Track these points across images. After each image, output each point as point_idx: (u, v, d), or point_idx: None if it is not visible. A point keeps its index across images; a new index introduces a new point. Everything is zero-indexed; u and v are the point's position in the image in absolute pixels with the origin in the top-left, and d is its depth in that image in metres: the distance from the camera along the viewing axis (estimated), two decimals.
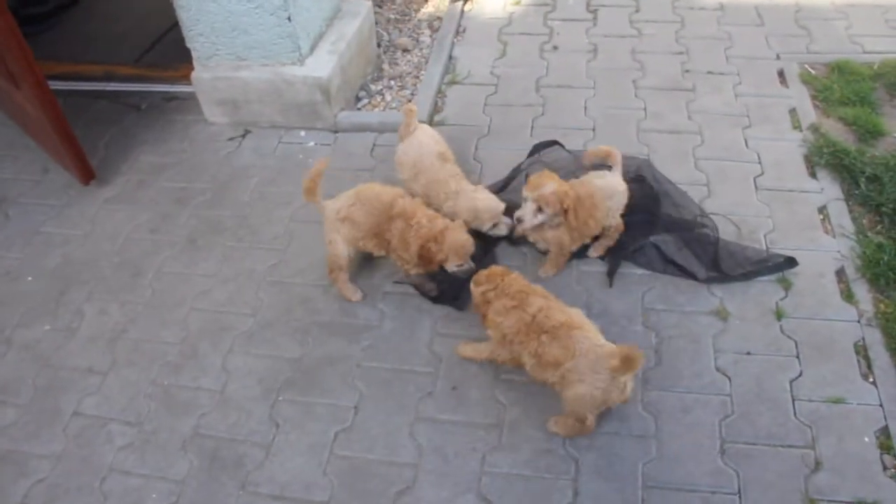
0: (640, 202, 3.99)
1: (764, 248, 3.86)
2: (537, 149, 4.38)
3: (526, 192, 3.53)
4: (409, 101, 5.03)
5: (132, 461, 3.29)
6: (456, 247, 3.53)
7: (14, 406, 3.55)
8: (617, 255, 3.87)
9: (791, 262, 3.76)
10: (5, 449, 3.39)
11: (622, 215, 3.80)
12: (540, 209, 3.49)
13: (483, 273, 3.29)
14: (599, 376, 2.88)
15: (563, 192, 3.47)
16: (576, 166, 4.16)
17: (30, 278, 4.17)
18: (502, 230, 3.92)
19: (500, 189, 4.22)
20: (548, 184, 3.47)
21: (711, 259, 3.79)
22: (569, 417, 3.12)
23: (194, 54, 4.79)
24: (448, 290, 3.80)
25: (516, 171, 4.30)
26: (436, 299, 3.81)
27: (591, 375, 2.89)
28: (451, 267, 3.59)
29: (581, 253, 3.89)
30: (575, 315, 3.09)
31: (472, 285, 3.31)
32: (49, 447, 3.37)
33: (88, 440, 3.39)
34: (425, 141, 4.03)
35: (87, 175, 4.64)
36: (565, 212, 3.49)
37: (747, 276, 3.74)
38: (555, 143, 4.39)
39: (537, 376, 3.11)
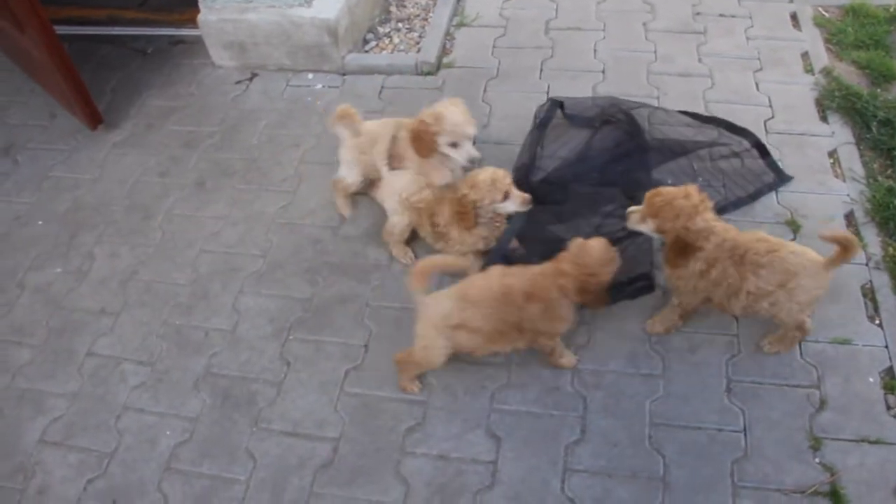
0: (628, 142, 3.93)
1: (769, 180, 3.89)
2: (540, 117, 4.10)
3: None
4: (418, 43, 4.99)
5: (146, 399, 3.35)
6: (487, 179, 3.27)
7: (29, 347, 3.60)
8: None
9: (784, 176, 3.88)
10: (22, 388, 3.45)
11: None
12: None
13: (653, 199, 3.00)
14: (818, 280, 2.89)
15: None
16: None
17: (40, 222, 4.19)
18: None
19: (527, 171, 3.85)
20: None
21: (755, 143, 3.94)
22: (786, 331, 3.11)
23: None
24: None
25: (534, 147, 3.97)
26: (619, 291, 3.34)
27: (811, 282, 2.87)
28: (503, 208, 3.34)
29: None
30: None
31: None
32: (65, 386, 3.43)
33: (103, 379, 3.44)
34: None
35: (95, 119, 4.63)
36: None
37: (753, 196, 3.79)
38: (558, 104, 4.14)
39: (747, 310, 3.01)
